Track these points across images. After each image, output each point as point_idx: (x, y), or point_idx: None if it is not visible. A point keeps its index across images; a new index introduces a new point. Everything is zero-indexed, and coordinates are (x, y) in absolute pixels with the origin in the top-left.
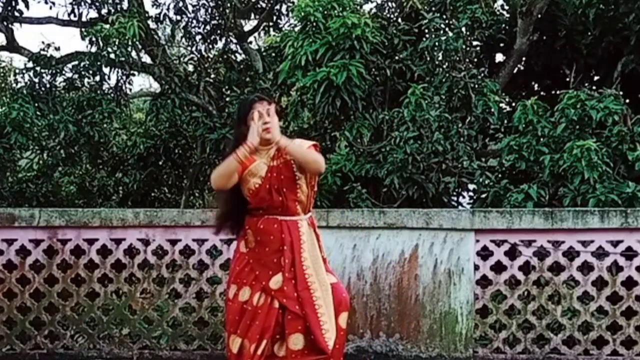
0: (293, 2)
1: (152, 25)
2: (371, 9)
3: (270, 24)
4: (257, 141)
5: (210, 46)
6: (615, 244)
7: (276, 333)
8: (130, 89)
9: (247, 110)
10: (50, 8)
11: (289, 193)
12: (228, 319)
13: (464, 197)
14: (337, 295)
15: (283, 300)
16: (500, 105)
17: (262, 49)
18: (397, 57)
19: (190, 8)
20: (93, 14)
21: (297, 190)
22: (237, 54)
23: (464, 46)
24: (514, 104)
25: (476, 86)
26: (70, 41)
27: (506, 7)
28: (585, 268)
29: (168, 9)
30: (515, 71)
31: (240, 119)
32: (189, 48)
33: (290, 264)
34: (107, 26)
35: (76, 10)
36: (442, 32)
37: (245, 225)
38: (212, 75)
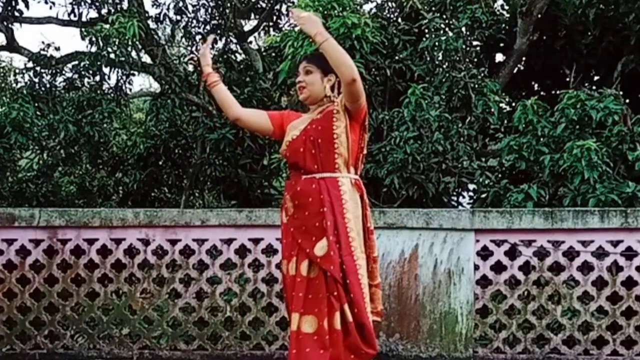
0: (293, 2)
1: (152, 25)
2: (371, 9)
3: (270, 24)
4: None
5: (211, 46)
6: (615, 244)
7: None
8: (130, 89)
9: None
10: (50, 8)
11: (325, 144)
12: (286, 296)
13: (464, 197)
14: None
15: (330, 267)
16: (500, 105)
17: (262, 49)
18: (397, 57)
19: (190, 8)
20: (93, 14)
21: (334, 141)
22: (237, 54)
23: (464, 46)
24: (514, 104)
25: (476, 86)
26: (70, 41)
27: (506, 7)
28: (585, 268)
29: (168, 9)
30: (515, 71)
31: None
32: (189, 48)
33: (333, 226)
34: (107, 26)
35: (76, 10)
36: (442, 32)
37: (284, 192)
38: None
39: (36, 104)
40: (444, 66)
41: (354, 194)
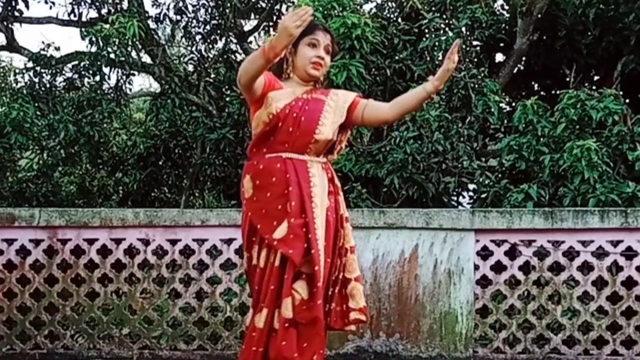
0: (293, 2)
1: (152, 25)
2: (371, 9)
3: (270, 24)
4: (292, 26)
5: (210, 46)
6: (615, 243)
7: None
8: (130, 89)
9: (305, 32)
10: (50, 8)
11: (305, 128)
12: (256, 289)
13: (464, 197)
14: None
15: (289, 250)
16: (500, 105)
17: None
18: (397, 57)
19: (190, 8)
20: (93, 14)
21: (315, 128)
22: (237, 54)
23: (464, 46)
24: (514, 104)
25: (476, 86)
26: (70, 41)
27: (506, 7)
28: (585, 268)
29: (168, 9)
30: (515, 71)
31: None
32: (189, 48)
33: (299, 208)
34: (107, 26)
35: (76, 10)
36: (442, 32)
37: (243, 174)
38: (212, 75)
39: (36, 104)
40: None
41: (323, 179)
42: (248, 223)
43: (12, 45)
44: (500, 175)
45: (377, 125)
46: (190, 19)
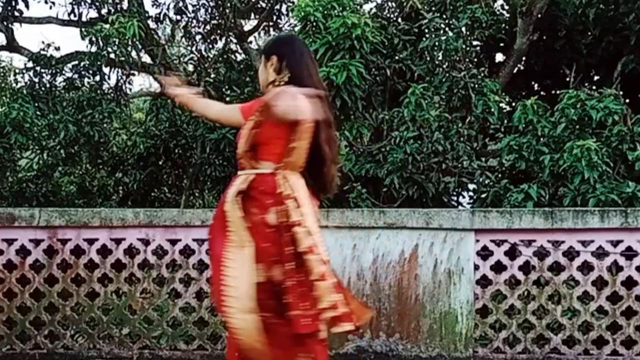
0: (293, 2)
1: (152, 25)
2: (371, 9)
3: (270, 24)
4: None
5: (210, 46)
6: (615, 243)
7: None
8: (130, 89)
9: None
10: (50, 8)
11: (239, 144)
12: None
13: (464, 197)
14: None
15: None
16: (500, 105)
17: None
18: (397, 57)
19: (190, 8)
20: (93, 13)
21: (240, 138)
22: (237, 54)
23: (464, 46)
24: (514, 104)
25: (476, 86)
26: (70, 41)
27: (506, 7)
28: (585, 268)
29: (168, 9)
30: (515, 71)
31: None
32: (189, 48)
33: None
34: (107, 26)
35: (76, 10)
36: (442, 32)
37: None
38: (212, 75)
39: (36, 104)
40: (444, 66)
41: (233, 194)
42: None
43: (12, 45)
44: (500, 175)
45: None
46: (190, 19)
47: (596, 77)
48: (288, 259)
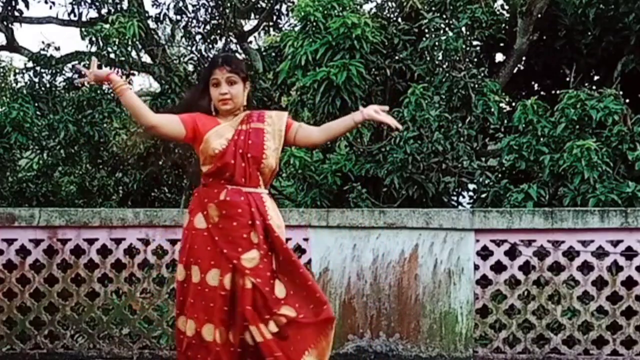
0: (293, 2)
1: (152, 25)
2: (371, 9)
3: (270, 23)
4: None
5: (210, 46)
6: (615, 243)
7: (249, 318)
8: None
9: (206, 74)
10: (50, 8)
11: (253, 161)
12: (178, 300)
13: (464, 197)
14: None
15: (257, 280)
16: (500, 105)
17: (262, 49)
18: (397, 57)
19: (190, 8)
20: (93, 13)
21: (262, 160)
22: (237, 54)
23: (464, 46)
24: (514, 104)
25: (476, 86)
26: (70, 41)
27: (506, 7)
28: (585, 268)
29: (168, 9)
30: (515, 71)
31: (203, 79)
32: (189, 48)
33: (264, 238)
34: (107, 26)
35: (76, 10)
36: (442, 32)
37: (202, 198)
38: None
39: (36, 104)
40: (444, 66)
41: (276, 210)
42: (212, 245)
43: (12, 45)
44: (500, 175)
45: (304, 147)
46: (190, 19)
47: (596, 77)
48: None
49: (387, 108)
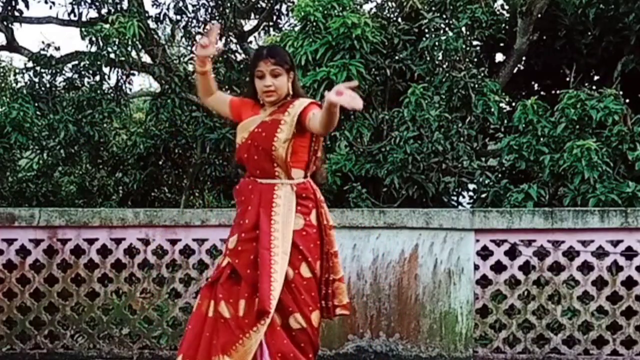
0: (293, 2)
1: (152, 25)
2: (371, 9)
3: (270, 23)
4: (202, 54)
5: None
6: (615, 243)
7: (227, 295)
8: (130, 89)
9: (252, 66)
10: (50, 8)
11: (264, 153)
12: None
13: (464, 197)
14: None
15: (235, 260)
16: (500, 105)
17: None
18: (397, 57)
19: (190, 8)
20: (93, 13)
21: (272, 152)
22: (237, 54)
23: (464, 46)
24: (514, 104)
25: (476, 86)
26: (70, 41)
27: (506, 7)
28: (585, 268)
29: (168, 9)
30: (515, 71)
31: (250, 68)
32: (189, 48)
33: (252, 225)
34: (107, 26)
35: (76, 10)
36: (442, 32)
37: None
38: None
39: (36, 104)
40: (444, 66)
41: (290, 200)
42: (230, 233)
43: (12, 45)
44: (500, 175)
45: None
46: (190, 19)
47: (596, 77)
48: (327, 257)
49: (355, 83)
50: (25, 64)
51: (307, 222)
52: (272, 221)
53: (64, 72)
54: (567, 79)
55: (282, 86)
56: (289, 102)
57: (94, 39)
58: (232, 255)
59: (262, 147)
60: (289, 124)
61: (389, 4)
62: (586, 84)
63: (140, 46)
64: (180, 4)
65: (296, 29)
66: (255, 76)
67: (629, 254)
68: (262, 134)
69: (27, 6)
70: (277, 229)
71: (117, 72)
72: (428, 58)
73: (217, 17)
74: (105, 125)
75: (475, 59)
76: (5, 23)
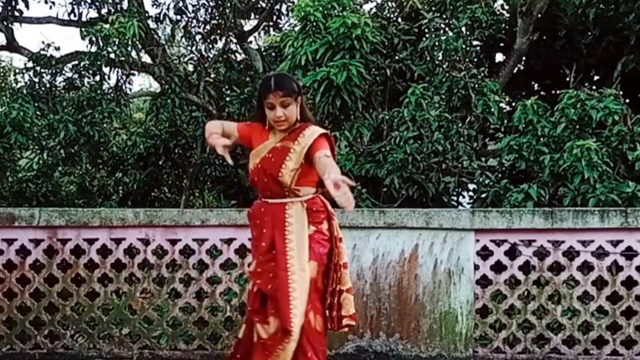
0: (293, 2)
1: (152, 25)
2: (371, 9)
3: (270, 23)
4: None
5: (210, 46)
6: (615, 243)
7: (261, 316)
8: (130, 89)
9: (261, 96)
10: (50, 8)
11: (272, 178)
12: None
13: (464, 197)
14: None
15: (257, 281)
16: (500, 105)
17: (262, 49)
18: (397, 57)
19: (190, 8)
20: (93, 13)
21: (278, 177)
22: (237, 54)
23: (464, 46)
24: (514, 104)
25: (476, 86)
26: (70, 41)
27: (506, 7)
28: (585, 268)
29: (168, 9)
30: (515, 71)
31: (259, 97)
32: (189, 48)
33: (268, 247)
34: (107, 26)
35: (76, 10)
36: (442, 32)
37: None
38: (212, 75)
39: (36, 104)
40: (444, 66)
41: (302, 217)
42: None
43: (12, 45)
44: (500, 175)
45: None
46: (190, 19)
47: (596, 77)
48: (335, 268)
49: (352, 183)
50: (25, 64)
51: (319, 229)
52: (286, 240)
53: (64, 72)
54: (567, 79)
55: (292, 115)
56: (299, 129)
57: (94, 39)
58: (254, 277)
59: (270, 171)
60: (298, 154)
61: (389, 4)
62: (586, 84)
63: (140, 46)
64: (180, 4)
65: (296, 29)
66: (266, 107)
67: (629, 254)
68: (272, 159)
69: (27, 6)
70: (292, 247)
71: (117, 72)
72: (428, 58)
73: (217, 17)
74: (105, 125)
75: (475, 59)
76: (5, 23)
